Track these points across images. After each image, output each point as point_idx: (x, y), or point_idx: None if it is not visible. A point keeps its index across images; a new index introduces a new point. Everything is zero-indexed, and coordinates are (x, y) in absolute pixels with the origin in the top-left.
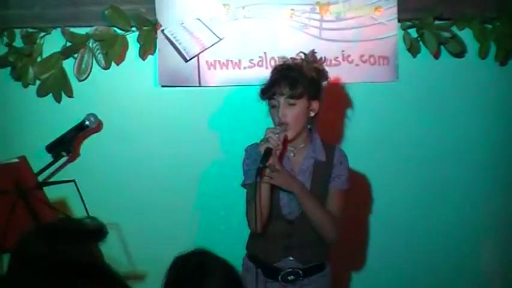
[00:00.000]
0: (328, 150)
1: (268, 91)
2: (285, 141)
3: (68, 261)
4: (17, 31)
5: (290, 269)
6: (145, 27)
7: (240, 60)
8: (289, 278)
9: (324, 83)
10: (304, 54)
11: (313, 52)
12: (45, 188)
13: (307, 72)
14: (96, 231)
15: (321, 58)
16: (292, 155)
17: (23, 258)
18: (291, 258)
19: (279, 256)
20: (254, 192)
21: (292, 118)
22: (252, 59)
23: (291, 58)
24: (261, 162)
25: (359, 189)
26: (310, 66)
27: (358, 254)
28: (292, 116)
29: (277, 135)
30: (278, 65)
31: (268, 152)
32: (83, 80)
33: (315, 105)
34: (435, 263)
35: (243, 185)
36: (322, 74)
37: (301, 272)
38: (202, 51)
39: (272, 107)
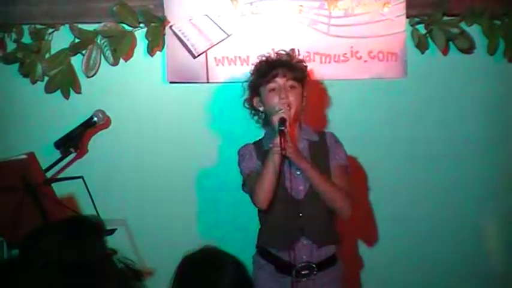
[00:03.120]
0: (319, 134)
1: (268, 73)
2: (290, 121)
3: (75, 258)
4: (25, 27)
5: (303, 264)
6: (153, 24)
7: (248, 56)
8: (303, 272)
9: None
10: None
11: (293, 50)
12: (53, 184)
13: (297, 64)
14: (102, 228)
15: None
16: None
17: (30, 254)
18: (304, 242)
19: (292, 238)
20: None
21: (293, 99)
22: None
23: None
24: (279, 126)
25: (364, 185)
26: (297, 59)
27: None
28: (293, 97)
29: (288, 107)
30: (267, 56)
31: (283, 121)
32: (91, 77)
33: (306, 94)
34: (436, 265)
35: (244, 181)
36: (306, 68)
37: (315, 266)
38: (210, 48)
39: (270, 90)
